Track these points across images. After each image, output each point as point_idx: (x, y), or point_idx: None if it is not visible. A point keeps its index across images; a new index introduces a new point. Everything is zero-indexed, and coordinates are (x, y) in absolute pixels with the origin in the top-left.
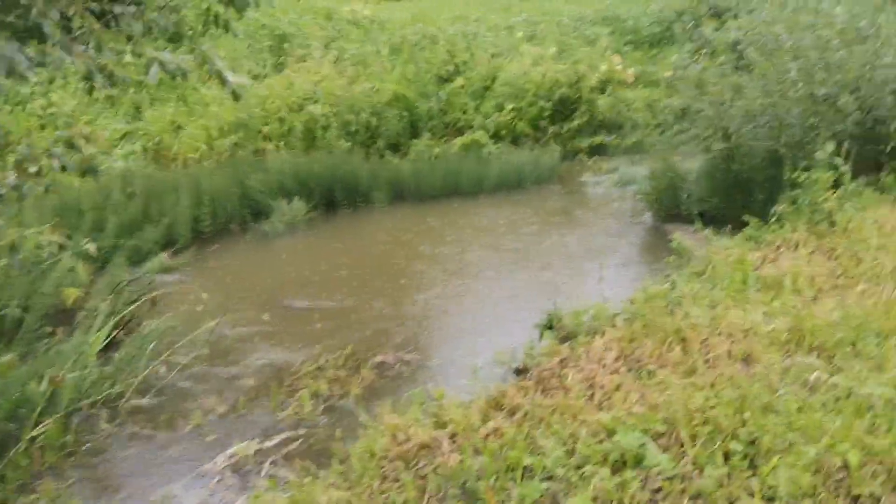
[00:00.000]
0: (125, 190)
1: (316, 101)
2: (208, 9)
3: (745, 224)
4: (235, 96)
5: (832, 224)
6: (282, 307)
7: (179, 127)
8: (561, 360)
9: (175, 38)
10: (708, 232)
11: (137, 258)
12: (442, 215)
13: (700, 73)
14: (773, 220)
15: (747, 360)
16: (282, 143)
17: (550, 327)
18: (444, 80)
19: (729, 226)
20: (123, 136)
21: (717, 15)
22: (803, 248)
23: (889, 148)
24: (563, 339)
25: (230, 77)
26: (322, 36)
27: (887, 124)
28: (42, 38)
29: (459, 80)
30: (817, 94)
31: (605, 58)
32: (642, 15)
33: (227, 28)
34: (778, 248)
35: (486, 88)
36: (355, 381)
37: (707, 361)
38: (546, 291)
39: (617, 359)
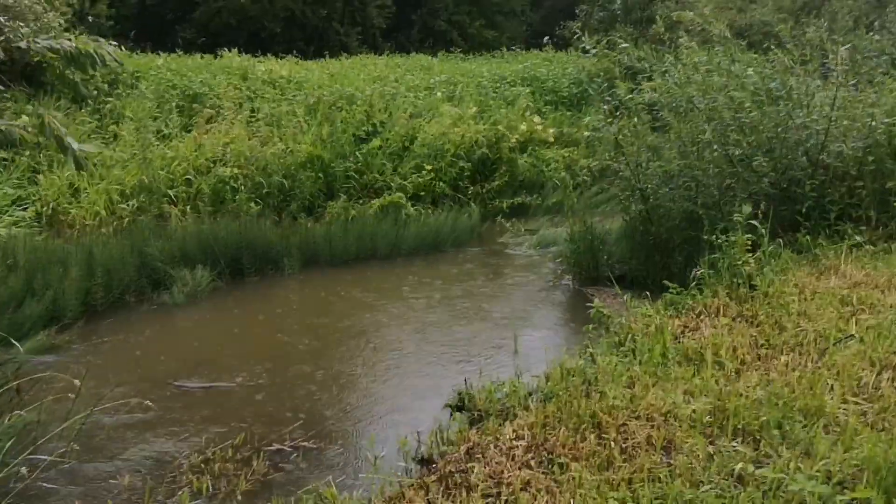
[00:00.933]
0: (5, 261)
1: (225, 164)
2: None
3: (666, 288)
4: (77, 165)
5: (752, 288)
6: (173, 389)
7: (78, 191)
8: (468, 450)
9: (78, 99)
10: (627, 297)
11: (17, 337)
12: (355, 281)
13: (616, 135)
14: (692, 283)
15: (668, 447)
16: (188, 207)
17: (461, 407)
18: (362, 140)
19: (649, 290)
20: (14, 202)
21: (632, 76)
22: (724, 316)
23: (804, 208)
24: (475, 421)
25: (74, 144)
26: (235, 96)
27: (801, 184)
28: None
29: (377, 141)
30: (733, 155)
31: (525, 118)
32: (561, 76)
33: (75, 89)
34: (699, 314)
35: (405, 149)
36: (245, 474)
37: (624, 451)
38: (460, 364)
39: (528, 449)
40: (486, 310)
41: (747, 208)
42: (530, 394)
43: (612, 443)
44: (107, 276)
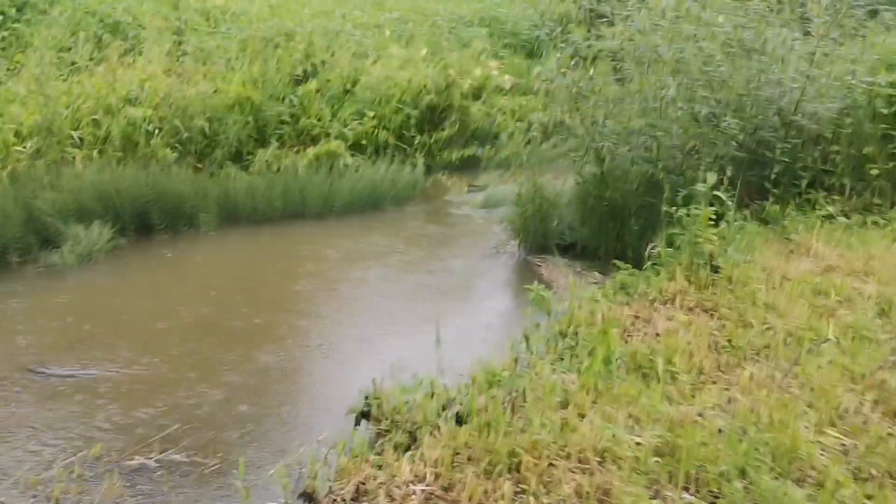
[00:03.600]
0: None
1: (139, 103)
2: None
3: (619, 258)
4: None
5: (714, 270)
6: (31, 377)
7: None
8: (357, 488)
9: None
10: (572, 277)
11: None
12: (275, 245)
13: (570, 87)
14: (647, 262)
15: (603, 502)
16: (96, 151)
17: (367, 414)
18: (299, 81)
19: (601, 261)
20: None
21: (594, 21)
22: (682, 306)
23: (774, 174)
24: (381, 434)
25: None
26: (161, 27)
27: (772, 147)
28: None
29: (315, 83)
30: (699, 114)
31: (481, 62)
32: (522, 17)
33: None
34: (653, 301)
35: (347, 92)
36: (92, 498)
37: None
38: (380, 353)
39: (427, 499)
40: (421, 284)
41: (712, 177)
42: (444, 407)
43: (532, 498)
44: None
